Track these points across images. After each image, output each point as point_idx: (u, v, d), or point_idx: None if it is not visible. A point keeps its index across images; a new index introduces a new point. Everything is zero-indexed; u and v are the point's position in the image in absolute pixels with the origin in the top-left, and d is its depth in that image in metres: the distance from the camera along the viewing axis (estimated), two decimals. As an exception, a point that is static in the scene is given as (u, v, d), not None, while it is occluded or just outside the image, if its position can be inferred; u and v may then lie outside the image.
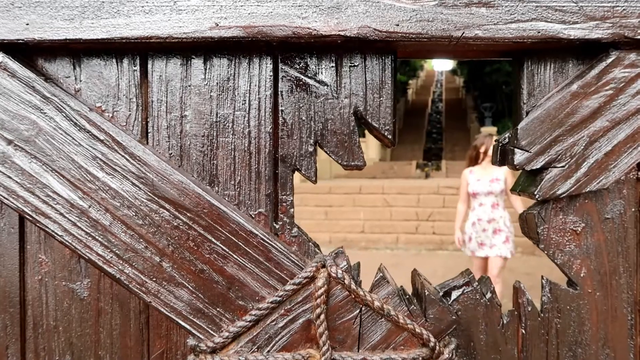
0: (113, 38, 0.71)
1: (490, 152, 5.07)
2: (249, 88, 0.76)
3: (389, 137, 0.77)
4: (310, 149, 0.76)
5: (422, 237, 10.85)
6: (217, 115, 0.76)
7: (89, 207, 0.71)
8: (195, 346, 0.72)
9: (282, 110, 0.76)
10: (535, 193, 0.75)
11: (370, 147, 19.97)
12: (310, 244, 0.76)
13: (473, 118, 27.13)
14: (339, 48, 0.75)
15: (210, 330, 0.72)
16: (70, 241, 0.72)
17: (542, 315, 0.78)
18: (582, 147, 0.74)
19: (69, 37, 0.71)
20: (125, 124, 0.76)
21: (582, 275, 0.77)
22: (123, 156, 0.72)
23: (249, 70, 0.76)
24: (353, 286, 0.71)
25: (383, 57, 0.76)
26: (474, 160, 5.31)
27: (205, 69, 0.76)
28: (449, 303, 0.78)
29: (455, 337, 0.76)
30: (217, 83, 0.76)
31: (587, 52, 0.75)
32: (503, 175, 5.11)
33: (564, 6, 0.71)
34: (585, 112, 0.74)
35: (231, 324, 0.72)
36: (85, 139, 0.72)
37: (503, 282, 5.09)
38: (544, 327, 0.78)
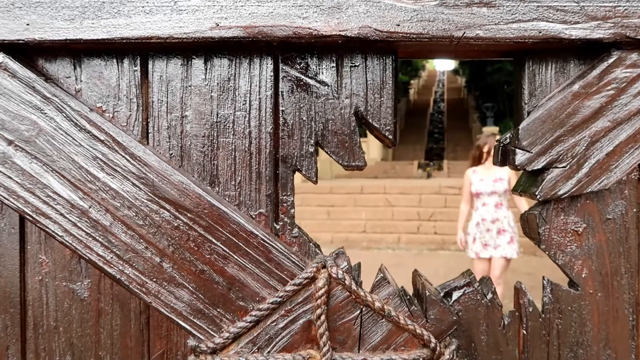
0: (113, 38, 0.71)
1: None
2: (249, 88, 0.76)
3: (390, 137, 0.76)
4: (311, 149, 0.76)
5: (423, 237, 10.85)
6: (217, 115, 0.76)
7: (90, 207, 0.71)
8: (196, 347, 0.72)
9: (282, 111, 0.76)
10: (537, 193, 0.75)
11: (371, 147, 19.96)
12: (311, 244, 0.76)
13: (475, 118, 27.10)
14: (340, 48, 0.75)
15: (210, 331, 0.72)
16: (70, 241, 0.71)
17: (543, 316, 0.78)
18: (583, 148, 0.74)
19: (70, 38, 0.71)
20: (125, 124, 0.76)
21: (583, 275, 0.77)
22: (123, 156, 0.72)
23: (250, 70, 0.76)
24: (354, 287, 0.71)
25: (384, 57, 0.76)
26: (477, 160, 5.29)
27: (206, 69, 0.76)
28: (450, 304, 0.77)
29: (456, 338, 0.76)
30: (217, 83, 0.76)
31: (589, 52, 0.75)
32: (506, 175, 5.08)
33: (565, 6, 0.71)
34: (587, 112, 0.73)
35: (231, 325, 0.72)
36: (86, 139, 0.72)
37: (505, 283, 5.07)
38: (545, 328, 0.78)
